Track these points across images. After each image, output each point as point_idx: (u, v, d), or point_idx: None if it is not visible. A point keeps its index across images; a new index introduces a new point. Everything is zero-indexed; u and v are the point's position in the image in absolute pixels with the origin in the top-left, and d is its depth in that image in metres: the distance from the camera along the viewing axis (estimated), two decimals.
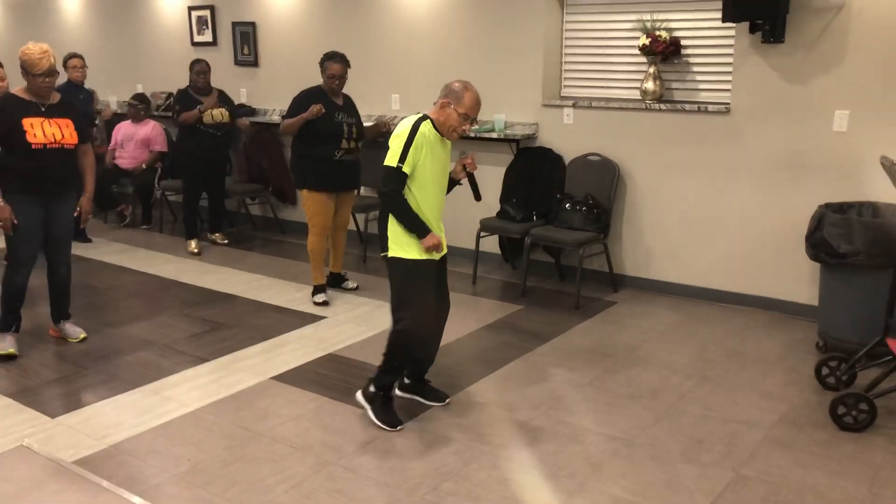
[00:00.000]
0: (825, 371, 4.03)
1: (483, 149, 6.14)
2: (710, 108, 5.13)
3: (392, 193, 3.44)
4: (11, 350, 4.43)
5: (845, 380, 3.94)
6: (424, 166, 3.44)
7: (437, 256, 3.58)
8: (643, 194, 5.50)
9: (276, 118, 7.19)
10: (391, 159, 3.40)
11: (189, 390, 4.02)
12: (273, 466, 3.30)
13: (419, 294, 3.52)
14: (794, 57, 4.79)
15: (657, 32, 5.22)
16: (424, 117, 3.47)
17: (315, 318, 5.07)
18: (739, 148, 5.08)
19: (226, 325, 4.96)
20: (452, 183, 3.72)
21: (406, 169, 3.39)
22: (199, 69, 6.48)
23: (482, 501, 3.05)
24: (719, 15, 4.81)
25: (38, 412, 3.78)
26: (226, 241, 6.93)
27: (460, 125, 3.45)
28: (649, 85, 5.32)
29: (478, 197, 3.76)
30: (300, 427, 3.64)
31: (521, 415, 3.74)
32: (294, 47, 7.05)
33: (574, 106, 5.67)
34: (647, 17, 5.35)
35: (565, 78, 5.91)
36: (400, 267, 3.52)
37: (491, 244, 6.15)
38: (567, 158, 5.75)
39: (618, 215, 5.60)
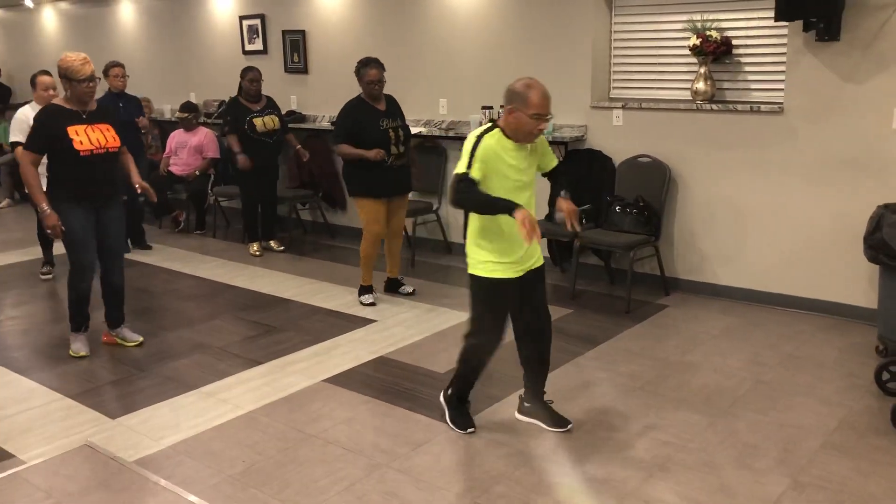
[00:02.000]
0: (886, 376, 3.93)
1: None
2: (763, 108, 5.04)
3: (460, 192, 3.22)
4: (83, 352, 4.60)
5: None
6: (497, 173, 3.27)
7: (518, 273, 3.40)
8: (695, 196, 5.43)
9: (325, 124, 7.30)
10: (460, 167, 3.26)
11: (243, 392, 4.10)
12: (326, 468, 3.35)
13: (490, 313, 3.46)
14: (850, 55, 4.69)
15: (708, 32, 5.16)
16: (491, 127, 3.31)
17: (366, 322, 5.12)
18: (793, 148, 4.98)
19: (279, 329, 5.04)
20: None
21: (475, 174, 3.21)
22: (252, 77, 6.58)
23: None
24: (772, 14, 4.74)
25: (99, 413, 3.90)
26: (282, 248, 7.01)
27: (535, 126, 3.23)
28: (700, 85, 5.26)
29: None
30: (352, 429, 3.69)
31: (572, 419, 3.72)
32: (342, 54, 7.13)
33: (624, 107, 5.63)
34: (698, 17, 5.29)
35: (614, 79, 5.87)
36: (475, 284, 3.45)
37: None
38: (617, 160, 5.70)
39: (669, 217, 5.54)
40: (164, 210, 7.81)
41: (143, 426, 3.75)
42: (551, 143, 5.86)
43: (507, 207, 3.14)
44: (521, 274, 3.43)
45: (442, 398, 3.75)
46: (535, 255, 3.49)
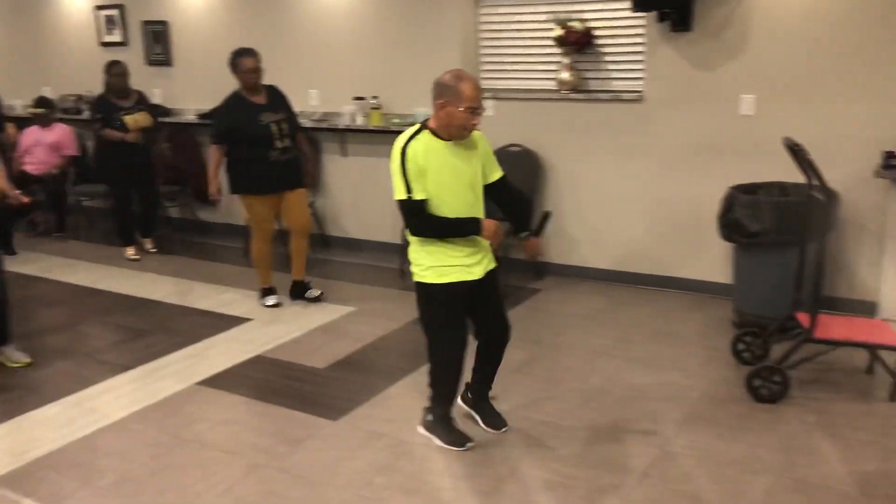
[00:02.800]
0: (741, 346, 4.20)
1: None
2: (624, 96, 5.26)
3: (420, 225, 3.12)
4: None
5: (759, 354, 4.11)
6: (438, 183, 3.08)
7: (473, 275, 3.21)
8: (564, 183, 5.61)
9: (191, 117, 7.05)
10: (399, 192, 3.08)
11: (112, 400, 3.92)
12: (203, 472, 3.25)
13: (448, 320, 3.24)
14: (701, 44, 4.95)
15: (571, 24, 5.32)
16: (417, 131, 3.11)
17: (241, 321, 5.00)
18: (653, 134, 5.22)
19: (148, 332, 4.84)
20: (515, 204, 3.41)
21: (418, 196, 3.06)
22: (118, 71, 6.25)
23: (416, 494, 3.07)
24: (630, 5, 4.94)
25: None
26: (154, 249, 6.69)
27: (469, 121, 3.05)
28: (565, 75, 5.42)
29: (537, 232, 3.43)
30: (229, 431, 3.60)
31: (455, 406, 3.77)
32: (208, 45, 6.90)
33: (494, 97, 5.73)
34: (561, 8, 5.44)
35: (483, 70, 5.96)
36: (425, 293, 3.23)
37: None
38: None
39: (540, 205, 5.70)
40: (22, 213, 7.31)
41: (3, 442, 3.52)
42: None
43: (473, 226, 3.12)
44: (479, 276, 3.24)
45: (423, 429, 3.47)
46: (489, 254, 3.32)
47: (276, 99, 5.09)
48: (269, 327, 4.87)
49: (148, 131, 6.41)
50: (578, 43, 5.30)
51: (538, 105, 5.56)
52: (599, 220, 5.53)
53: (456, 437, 3.38)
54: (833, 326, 3.84)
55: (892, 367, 3.77)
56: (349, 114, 6.22)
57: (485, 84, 5.97)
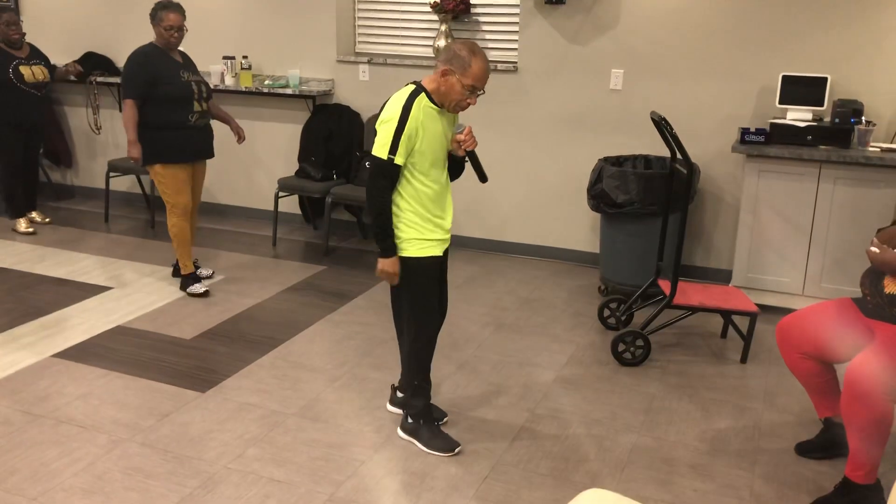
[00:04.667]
0: (606, 313, 4.37)
1: (278, 106, 5.97)
2: (500, 66, 5.30)
3: (381, 190, 2.87)
4: None
5: (624, 319, 4.29)
6: (422, 151, 2.89)
7: (439, 252, 3.05)
8: None
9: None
10: (380, 149, 2.84)
11: None
12: (60, 449, 3.07)
13: (427, 295, 3.05)
14: (574, 18, 5.05)
15: None
16: (417, 91, 2.89)
17: (101, 290, 4.73)
18: (527, 106, 5.30)
19: None
20: (457, 164, 3.11)
21: (399, 160, 2.84)
22: (7, 20, 5.54)
23: (288, 465, 3.02)
24: None
25: None
26: (48, 220, 6.10)
27: (465, 99, 2.87)
28: (441, 43, 5.40)
29: (482, 178, 3.16)
30: (88, 405, 3.41)
31: (327, 375, 3.73)
32: None
33: (369, 62, 5.64)
34: None
35: (360, 34, 5.85)
36: (404, 267, 2.99)
37: (290, 204, 6.03)
38: (365, 116, 5.72)
39: None
40: None
41: None
42: (299, 96, 5.77)
43: (385, 250, 2.92)
44: (443, 252, 3.09)
45: (402, 432, 3.23)
46: (448, 231, 3.11)
47: (190, 61, 4.68)
48: (131, 297, 4.64)
49: (45, 87, 5.81)
50: (455, 10, 5.29)
51: (415, 72, 5.52)
52: (474, 189, 5.58)
53: (446, 443, 3.13)
54: (691, 293, 4.05)
55: (744, 331, 4.03)
56: (218, 73, 5.96)
57: (360, 48, 5.87)
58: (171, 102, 4.46)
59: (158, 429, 3.24)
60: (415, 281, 3.03)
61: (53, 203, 6.69)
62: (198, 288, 4.72)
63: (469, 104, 2.91)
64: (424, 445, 3.14)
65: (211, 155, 4.79)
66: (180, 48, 4.65)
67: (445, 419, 3.35)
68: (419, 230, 2.98)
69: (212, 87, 5.89)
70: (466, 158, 3.10)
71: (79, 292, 4.69)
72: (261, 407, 3.43)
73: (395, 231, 2.96)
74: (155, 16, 4.45)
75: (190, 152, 4.61)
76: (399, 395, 3.39)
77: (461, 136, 3.00)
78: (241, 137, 4.91)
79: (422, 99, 2.88)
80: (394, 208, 2.95)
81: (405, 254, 2.98)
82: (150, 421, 3.29)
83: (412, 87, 2.91)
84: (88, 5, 6.39)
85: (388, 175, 2.87)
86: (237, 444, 3.14)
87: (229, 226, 6.15)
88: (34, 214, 6.09)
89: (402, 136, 2.83)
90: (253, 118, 6.10)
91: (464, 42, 2.88)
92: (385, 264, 2.95)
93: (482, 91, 2.91)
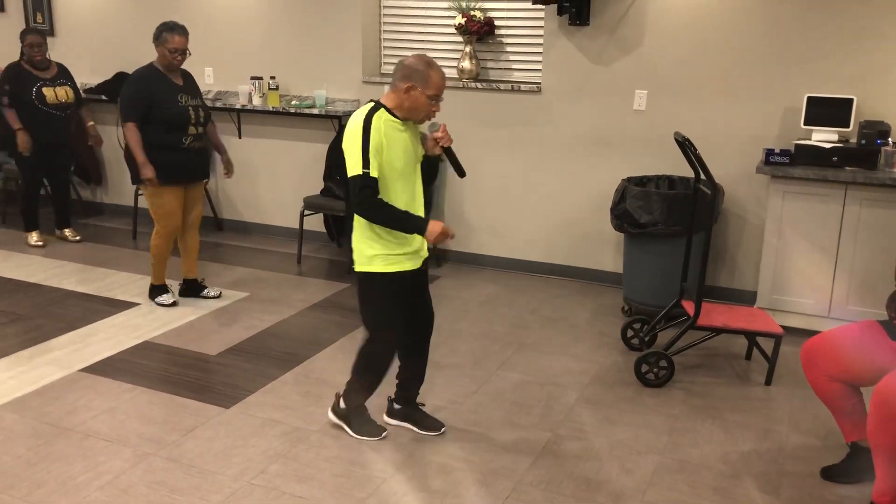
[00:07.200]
0: (629, 333, 4.35)
1: (305, 125, 6.05)
2: (523, 87, 5.33)
3: (368, 202, 2.94)
4: None
5: (647, 340, 4.28)
6: (390, 163, 2.99)
7: (415, 265, 3.15)
8: None
9: None
10: (354, 168, 2.92)
11: None
12: (86, 463, 3.11)
13: (389, 312, 3.16)
14: (598, 39, 5.07)
15: (472, 12, 5.35)
16: (376, 107, 3.00)
17: (129, 305, 4.80)
18: (550, 126, 5.32)
19: (27, 317, 4.58)
20: (431, 166, 3.28)
21: (374, 173, 2.92)
22: (31, 42, 5.66)
23: (311, 481, 3.04)
24: None
25: None
26: (78, 238, 6.18)
27: (430, 108, 3.02)
28: (466, 64, 5.45)
29: (461, 172, 3.28)
30: (114, 419, 3.45)
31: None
32: (97, 15, 6.56)
33: None
34: None
35: (385, 55, 5.92)
36: (368, 283, 3.12)
37: (315, 223, 6.09)
38: None
39: (440, 192, 5.72)
40: None
41: None
42: (325, 116, 5.84)
43: (418, 225, 2.98)
44: (418, 265, 3.17)
45: (333, 415, 3.40)
46: (424, 241, 3.19)
47: (192, 84, 4.74)
48: (157, 312, 4.70)
49: (70, 108, 5.90)
50: (479, 32, 5.34)
51: None
52: (497, 208, 5.60)
53: (371, 428, 3.35)
54: (715, 314, 4.03)
55: (769, 353, 3.99)
56: (245, 93, 6.05)
57: (385, 69, 5.93)
58: (165, 125, 4.51)
59: (183, 443, 3.27)
60: (378, 296, 3.13)
61: (83, 220, 6.81)
62: (166, 298, 4.81)
63: (435, 112, 3.05)
64: (355, 432, 3.33)
65: (205, 176, 4.85)
66: (186, 68, 4.72)
67: (443, 429, 3.41)
68: (385, 244, 3.05)
69: (238, 107, 6.02)
70: (443, 156, 3.22)
71: (107, 308, 4.75)
72: (284, 423, 3.46)
73: (361, 247, 3.07)
74: (159, 37, 4.49)
75: (181, 174, 4.63)
76: (396, 406, 3.46)
77: (438, 134, 3.13)
78: (229, 172, 5.00)
79: (382, 114, 2.99)
80: (361, 221, 3.05)
81: (370, 269, 3.08)
82: (175, 436, 3.33)
83: (371, 104, 3.02)
84: (120, 26, 6.53)
85: (369, 185, 2.94)
86: (260, 459, 3.17)
87: (255, 243, 6.22)
88: (67, 232, 6.19)
89: (370, 150, 2.92)
90: (280, 137, 6.18)
91: (416, 57, 3.02)
92: (430, 234, 3.00)
93: (442, 98, 3.06)
